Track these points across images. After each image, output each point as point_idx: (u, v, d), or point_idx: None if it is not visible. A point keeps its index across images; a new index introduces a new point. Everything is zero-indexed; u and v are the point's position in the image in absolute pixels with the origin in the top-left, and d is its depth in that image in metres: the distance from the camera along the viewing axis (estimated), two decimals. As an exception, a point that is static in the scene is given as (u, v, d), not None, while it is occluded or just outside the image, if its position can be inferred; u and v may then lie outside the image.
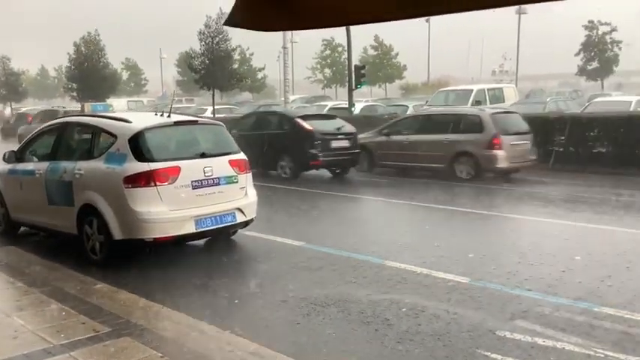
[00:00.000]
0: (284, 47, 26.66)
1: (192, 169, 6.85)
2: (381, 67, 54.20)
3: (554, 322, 4.92)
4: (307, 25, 1.75)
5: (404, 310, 5.29)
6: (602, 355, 4.27)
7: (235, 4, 1.59)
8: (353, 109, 23.23)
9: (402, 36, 56.59)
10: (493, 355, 4.32)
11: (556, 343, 4.49)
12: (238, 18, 1.58)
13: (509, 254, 7.32)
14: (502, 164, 12.99)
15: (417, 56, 62.14)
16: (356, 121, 21.47)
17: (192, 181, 6.80)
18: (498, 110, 14.99)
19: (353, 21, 1.66)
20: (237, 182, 7.29)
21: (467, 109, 17.02)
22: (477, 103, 22.22)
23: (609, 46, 41.64)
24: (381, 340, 4.69)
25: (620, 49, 42.17)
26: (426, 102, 25.38)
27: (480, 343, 4.55)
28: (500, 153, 12.90)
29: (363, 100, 34.36)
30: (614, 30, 41.46)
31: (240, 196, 7.35)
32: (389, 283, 6.08)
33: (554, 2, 1.35)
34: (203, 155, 7.09)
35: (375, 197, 12.23)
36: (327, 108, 27.84)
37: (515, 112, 15.00)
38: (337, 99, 41.00)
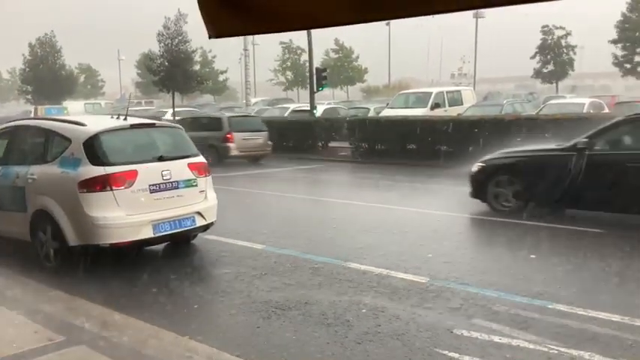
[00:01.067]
0: (245, 50, 26.59)
1: (149, 172, 6.74)
2: (343, 69, 54.56)
3: (511, 319, 5.03)
4: (272, 29, 1.75)
5: (364, 311, 5.32)
6: (556, 352, 4.38)
7: (203, 17, 1.60)
8: (315, 111, 23.30)
9: (363, 39, 57.05)
10: (451, 354, 4.39)
11: (511, 340, 4.59)
12: (212, 29, 1.59)
13: (465, 252, 7.45)
14: (234, 153, 17.98)
15: (379, 59, 62.81)
16: (318, 123, 21.63)
17: (149, 185, 6.69)
18: (237, 114, 21.74)
19: (315, 25, 1.67)
20: (196, 186, 7.21)
21: (215, 113, 23.70)
22: (437, 105, 22.59)
23: (564, 50, 42.91)
24: (341, 341, 4.71)
25: (574, 53, 43.52)
26: (387, 104, 25.65)
27: (439, 342, 4.62)
28: (232, 145, 17.88)
29: (325, 102, 34.52)
30: (568, 34, 42.77)
31: (200, 200, 7.27)
32: (349, 285, 6.11)
33: (511, 6, 1.38)
34: (161, 158, 6.98)
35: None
36: (289, 111, 27.87)
37: (255, 116, 22.34)
38: (299, 101, 41.01)
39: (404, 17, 1.59)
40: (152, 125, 7.69)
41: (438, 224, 9.30)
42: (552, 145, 9.44)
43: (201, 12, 1.63)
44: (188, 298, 5.96)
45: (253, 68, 54.74)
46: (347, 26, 1.67)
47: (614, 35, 40.94)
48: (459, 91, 26.21)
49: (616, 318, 4.96)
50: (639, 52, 40.13)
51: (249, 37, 37.87)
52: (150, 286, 6.31)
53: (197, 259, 7.67)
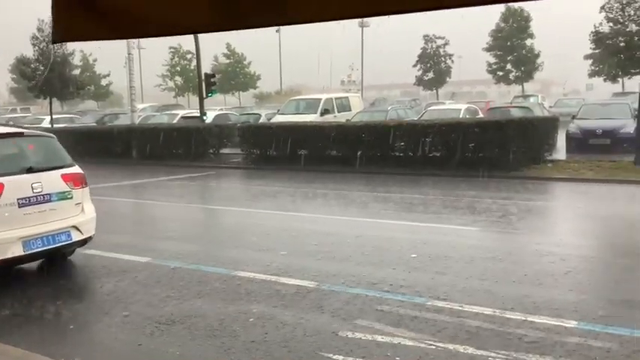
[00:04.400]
0: (129, 54, 25.57)
1: (18, 185, 6.25)
2: (234, 75, 54.12)
3: (392, 318, 5.21)
4: (127, 34, 1.69)
5: (251, 320, 5.27)
6: (434, 347, 4.60)
7: (53, 19, 1.53)
8: (205, 117, 22.89)
9: (255, 45, 57.00)
10: (335, 357, 4.46)
11: (393, 339, 4.76)
12: (59, 34, 1.52)
13: (352, 254, 7.63)
14: None
15: (271, 65, 63.05)
16: (208, 129, 21.25)
17: (18, 199, 6.20)
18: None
19: (174, 31, 1.63)
20: (71, 198, 6.79)
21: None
22: (326, 111, 23.02)
23: (443, 59, 45.51)
24: (227, 353, 4.63)
25: (452, 61, 46.29)
26: (278, 110, 25.77)
27: (324, 345, 4.68)
28: None
29: (217, 108, 33.98)
30: (447, 44, 45.44)
31: (76, 213, 6.85)
32: (237, 294, 6.04)
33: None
34: (30, 170, 6.50)
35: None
36: (177, 117, 27.12)
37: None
38: (190, 107, 40.09)
39: (257, 27, 1.59)
40: (20, 134, 7.14)
41: (333, 228, 9.46)
42: None
43: (53, 14, 1.55)
44: (64, 318, 5.59)
45: (139, 73, 52.78)
46: (237, 32, 1.65)
47: (488, 44, 44.10)
48: (347, 98, 26.90)
49: (488, 311, 5.30)
50: (510, 60, 43.48)
51: (134, 41, 36.40)
52: (22, 308, 5.84)
53: (75, 276, 7.23)
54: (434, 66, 45.16)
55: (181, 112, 29.35)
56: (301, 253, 7.84)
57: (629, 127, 15.88)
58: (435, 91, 47.84)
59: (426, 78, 45.95)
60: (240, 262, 7.23)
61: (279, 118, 22.49)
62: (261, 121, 24.16)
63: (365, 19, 53.21)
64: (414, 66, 46.40)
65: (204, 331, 5.08)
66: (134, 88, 23.91)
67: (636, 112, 15.02)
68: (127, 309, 5.72)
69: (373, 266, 6.98)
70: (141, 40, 38.04)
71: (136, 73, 37.65)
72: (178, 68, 56.18)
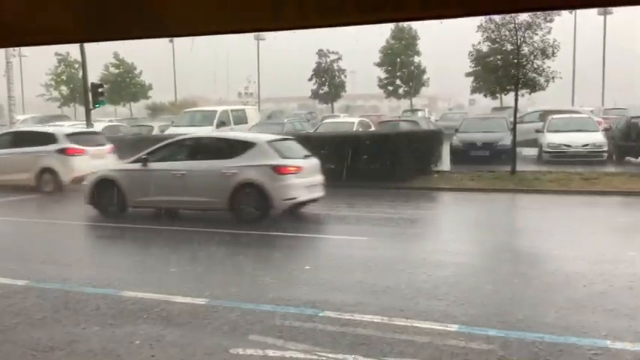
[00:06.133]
0: (8, 62, 23.83)
1: None
2: (125, 85, 52.04)
3: (284, 332, 5.21)
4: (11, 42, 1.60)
5: (137, 342, 5.06)
6: (325, 358, 4.66)
7: None
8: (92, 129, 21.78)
9: (147, 54, 55.23)
10: (226, 375, 4.39)
11: (284, 352, 4.76)
12: None
13: (245, 268, 7.58)
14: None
15: (164, 75, 61.35)
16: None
17: None
18: None
19: (39, 41, 1.55)
20: None
21: None
22: (222, 123, 22.78)
23: (337, 73, 46.65)
24: (110, 378, 4.41)
25: (345, 76, 47.58)
26: (172, 122, 25.13)
27: (214, 364, 4.59)
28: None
29: (106, 119, 32.48)
30: (340, 59, 46.61)
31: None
32: (124, 315, 5.77)
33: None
34: None
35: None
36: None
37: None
38: (76, 119, 37.98)
39: (129, 39, 1.55)
40: None
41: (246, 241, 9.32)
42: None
43: None
44: None
45: (20, 82, 49.30)
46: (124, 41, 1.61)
47: (379, 59, 45.86)
48: (243, 110, 26.80)
49: (377, 319, 5.46)
50: (399, 75, 45.46)
51: (12, 49, 33.97)
52: None
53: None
54: (328, 80, 46.17)
55: (67, 124, 27.77)
56: (192, 269, 7.65)
57: (506, 139, 17.12)
58: (330, 104, 48.87)
59: (321, 92, 46.85)
60: (129, 281, 6.93)
61: (173, 131, 21.92)
62: (153, 133, 23.41)
63: (261, 34, 53.45)
64: (310, 80, 47.17)
65: (86, 356, 4.81)
66: (13, 98, 22.33)
67: (512, 126, 16.26)
68: (2, 336, 5.28)
69: (266, 280, 6.96)
70: (22, 47, 35.66)
71: (17, 82, 35.22)
72: (64, 77, 53.11)
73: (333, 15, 1.34)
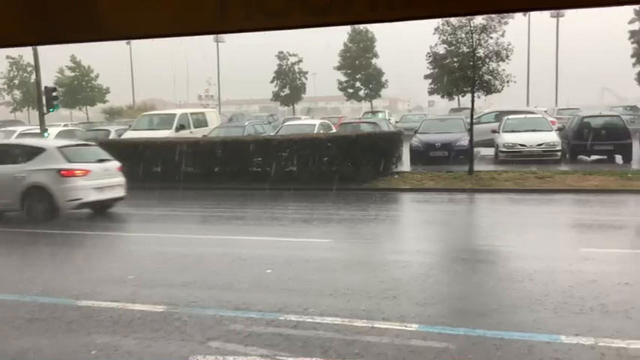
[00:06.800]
0: (-46, 65, 22.97)
1: None
2: (81, 89, 50.84)
3: (245, 336, 5.17)
4: None
5: (94, 352, 4.94)
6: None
7: None
8: (46, 134, 21.21)
9: (103, 58, 54.13)
10: (185, 383, 4.33)
11: (245, 358, 4.72)
12: None
13: (204, 273, 7.49)
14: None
15: (122, 79, 60.25)
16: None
17: None
18: None
19: None
20: None
21: None
22: (181, 127, 22.48)
23: (298, 76, 46.62)
24: (65, 391, 4.28)
25: (306, 78, 47.58)
26: (129, 126, 24.67)
27: (173, 372, 4.52)
28: None
29: (62, 124, 31.65)
30: (300, 61, 46.61)
31: None
32: (80, 325, 5.62)
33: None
34: None
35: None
36: (16, 134, 24.83)
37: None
38: (30, 123, 36.87)
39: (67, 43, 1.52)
40: None
41: (186, 248, 9.18)
42: None
43: None
44: None
45: (-31, 86, 47.65)
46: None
47: (339, 63, 46.07)
48: (203, 113, 26.50)
49: (338, 321, 5.47)
50: (359, 78, 45.75)
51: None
52: None
53: None
54: (289, 82, 46.09)
55: (20, 129, 26.93)
56: (150, 276, 7.52)
57: (464, 140, 17.44)
58: (292, 106, 48.81)
59: (282, 94, 46.73)
60: (85, 290, 6.75)
61: (131, 134, 21.52)
62: (110, 137, 22.92)
63: (220, 36, 53.06)
64: (271, 82, 47.01)
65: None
66: (-39, 103, 21.48)
67: (469, 127, 16.56)
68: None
69: (227, 285, 6.90)
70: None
71: (-35, 86, 33.97)
72: (16, 81, 51.55)
73: (279, 18, 1.33)
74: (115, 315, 5.81)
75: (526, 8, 1.31)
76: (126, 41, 50.11)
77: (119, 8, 1.37)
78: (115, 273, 7.68)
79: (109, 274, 7.68)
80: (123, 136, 21.76)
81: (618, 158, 17.20)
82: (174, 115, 23.83)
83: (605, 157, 17.49)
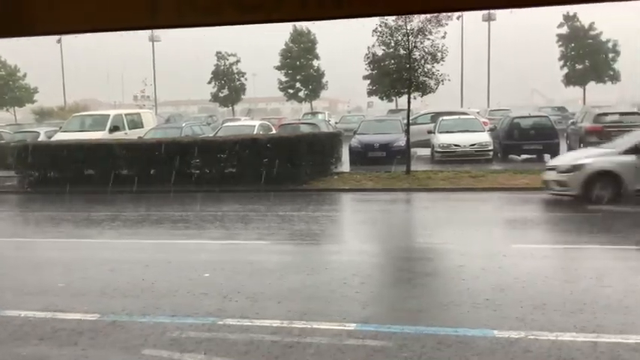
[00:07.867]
0: None
1: None
2: (8, 89, 48.51)
3: (182, 343, 5.06)
4: None
5: (17, 365, 4.70)
6: None
7: None
8: (-31, 136, 20.07)
9: (31, 56, 51.83)
10: (118, 393, 4.18)
11: None
12: None
13: (138, 280, 7.28)
14: None
15: (52, 79, 57.84)
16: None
17: None
18: None
19: None
20: None
21: None
22: (115, 128, 21.79)
23: (237, 76, 46.14)
24: (-13, 408, 4.05)
25: (245, 79, 47.18)
26: (60, 127, 23.69)
27: (105, 383, 4.36)
28: None
29: (-13, 126, 30.03)
30: (239, 61, 46.14)
31: None
32: (4, 337, 5.33)
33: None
34: None
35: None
36: None
37: None
38: (-49, 125, 34.76)
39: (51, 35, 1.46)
40: None
41: (117, 254, 8.89)
42: None
43: None
44: None
45: None
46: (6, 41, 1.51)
47: (280, 62, 45.96)
48: (139, 114, 25.77)
49: (277, 323, 5.44)
50: (299, 79, 45.80)
51: None
52: None
53: None
54: (228, 83, 45.54)
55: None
56: (81, 284, 7.23)
57: (401, 140, 17.76)
58: (231, 107, 48.25)
59: (221, 95, 46.09)
60: (13, 299, 6.42)
61: (60, 136, 20.66)
62: (40, 139, 21.92)
63: (156, 33, 51.87)
64: (209, 82, 46.29)
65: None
66: None
67: (406, 128, 16.88)
68: None
69: (162, 290, 6.73)
70: None
71: None
72: (-64, 81, 48.60)
73: (210, 14, 1.31)
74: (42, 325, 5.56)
75: (456, 8, 1.33)
76: (56, 40, 48.27)
77: (47, 3, 1.32)
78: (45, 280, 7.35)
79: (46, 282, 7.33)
80: (53, 138, 20.86)
81: (547, 157, 17.99)
82: (108, 115, 23.07)
83: (534, 156, 18.24)
